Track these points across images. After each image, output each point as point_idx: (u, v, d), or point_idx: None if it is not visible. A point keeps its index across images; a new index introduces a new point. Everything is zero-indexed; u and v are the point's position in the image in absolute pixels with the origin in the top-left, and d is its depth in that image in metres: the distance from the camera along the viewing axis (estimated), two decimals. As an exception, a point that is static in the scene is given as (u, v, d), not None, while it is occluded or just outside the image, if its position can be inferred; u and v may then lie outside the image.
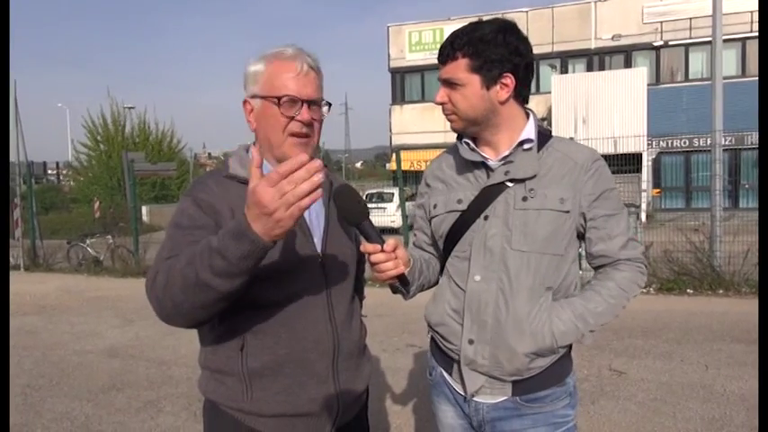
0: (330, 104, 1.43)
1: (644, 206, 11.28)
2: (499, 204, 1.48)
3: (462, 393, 1.56)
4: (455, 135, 1.60)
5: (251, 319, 1.34)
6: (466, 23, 1.48)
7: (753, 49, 21.38)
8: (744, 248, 7.59)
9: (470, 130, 1.51)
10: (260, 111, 1.36)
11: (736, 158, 20.94)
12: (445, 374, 1.61)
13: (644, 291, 7.44)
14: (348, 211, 1.38)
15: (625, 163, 13.23)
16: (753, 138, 20.38)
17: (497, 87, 1.45)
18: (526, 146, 1.49)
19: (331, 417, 1.41)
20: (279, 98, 1.32)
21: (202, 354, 1.44)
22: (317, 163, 1.03)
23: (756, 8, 20.58)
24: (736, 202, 20.33)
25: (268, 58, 1.36)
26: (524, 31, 1.51)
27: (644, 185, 11.36)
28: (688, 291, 7.41)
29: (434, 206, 1.61)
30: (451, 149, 1.65)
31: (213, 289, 1.13)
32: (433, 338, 1.66)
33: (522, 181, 1.47)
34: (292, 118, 1.33)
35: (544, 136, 1.53)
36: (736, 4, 19.48)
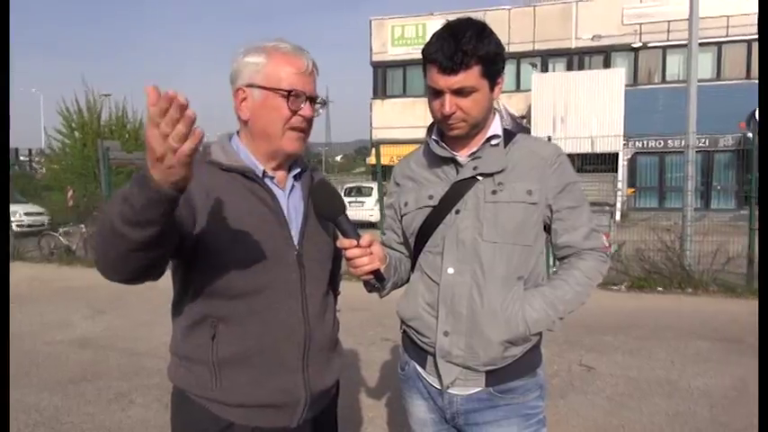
0: (324, 103, 1.47)
1: (619, 205, 11.47)
2: (470, 198, 1.51)
3: (437, 386, 1.58)
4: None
5: (223, 308, 1.35)
6: (445, 22, 1.47)
7: (728, 53, 21.82)
8: (713, 248, 7.79)
9: (471, 133, 1.52)
10: (260, 102, 1.37)
11: (709, 160, 21.39)
12: (419, 368, 1.63)
13: (616, 288, 7.60)
14: (324, 206, 1.41)
15: (601, 162, 13.44)
16: (726, 140, 20.85)
17: (496, 89, 1.50)
18: (493, 141, 1.54)
19: (298, 409, 1.42)
20: (289, 92, 1.35)
21: (173, 340, 1.45)
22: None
23: (733, 13, 20.92)
24: (708, 203, 20.77)
25: (269, 51, 1.37)
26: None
27: (619, 185, 11.55)
28: (658, 289, 7.57)
29: (405, 204, 1.63)
30: (418, 149, 1.69)
31: (124, 237, 1.08)
32: (406, 333, 1.68)
33: (490, 175, 1.51)
34: (296, 112, 1.37)
35: (509, 133, 1.58)
36: (713, 9, 19.86)
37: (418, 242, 1.60)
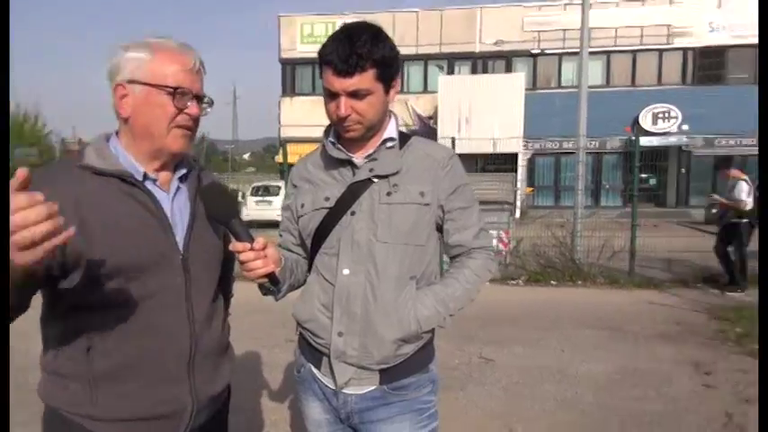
0: (213, 102, 1.43)
1: (518, 203, 12.08)
2: (365, 200, 1.53)
3: (331, 387, 1.59)
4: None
5: (101, 318, 1.27)
6: (342, 24, 1.49)
7: (616, 61, 23.57)
8: (601, 243, 8.41)
9: (366, 135, 1.54)
10: (142, 98, 1.31)
11: (599, 161, 23.06)
12: (314, 370, 1.63)
13: (514, 282, 7.99)
14: (216, 209, 1.37)
15: (503, 162, 14.10)
16: (613, 143, 22.53)
17: (391, 92, 1.52)
18: (389, 144, 1.57)
19: (184, 418, 1.37)
20: (174, 89, 1.31)
21: (43, 354, 1.35)
22: (54, 207, 0.87)
23: (620, 25, 22.48)
24: (598, 201, 22.38)
25: (154, 47, 1.32)
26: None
27: (519, 184, 12.17)
28: (552, 282, 8.05)
29: (302, 206, 1.62)
30: (315, 151, 1.68)
31: None
32: (301, 335, 1.67)
33: (385, 177, 1.53)
34: (182, 110, 1.33)
35: (404, 135, 1.62)
36: (603, 20, 21.41)
37: (314, 244, 1.60)
